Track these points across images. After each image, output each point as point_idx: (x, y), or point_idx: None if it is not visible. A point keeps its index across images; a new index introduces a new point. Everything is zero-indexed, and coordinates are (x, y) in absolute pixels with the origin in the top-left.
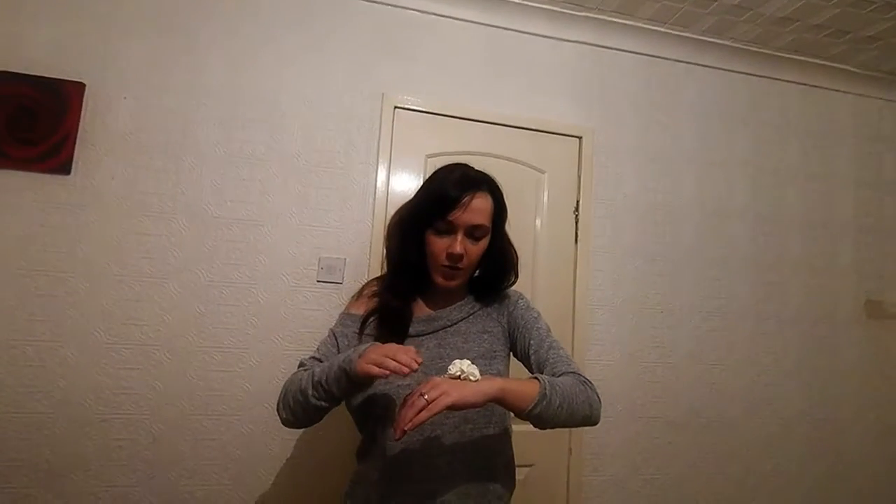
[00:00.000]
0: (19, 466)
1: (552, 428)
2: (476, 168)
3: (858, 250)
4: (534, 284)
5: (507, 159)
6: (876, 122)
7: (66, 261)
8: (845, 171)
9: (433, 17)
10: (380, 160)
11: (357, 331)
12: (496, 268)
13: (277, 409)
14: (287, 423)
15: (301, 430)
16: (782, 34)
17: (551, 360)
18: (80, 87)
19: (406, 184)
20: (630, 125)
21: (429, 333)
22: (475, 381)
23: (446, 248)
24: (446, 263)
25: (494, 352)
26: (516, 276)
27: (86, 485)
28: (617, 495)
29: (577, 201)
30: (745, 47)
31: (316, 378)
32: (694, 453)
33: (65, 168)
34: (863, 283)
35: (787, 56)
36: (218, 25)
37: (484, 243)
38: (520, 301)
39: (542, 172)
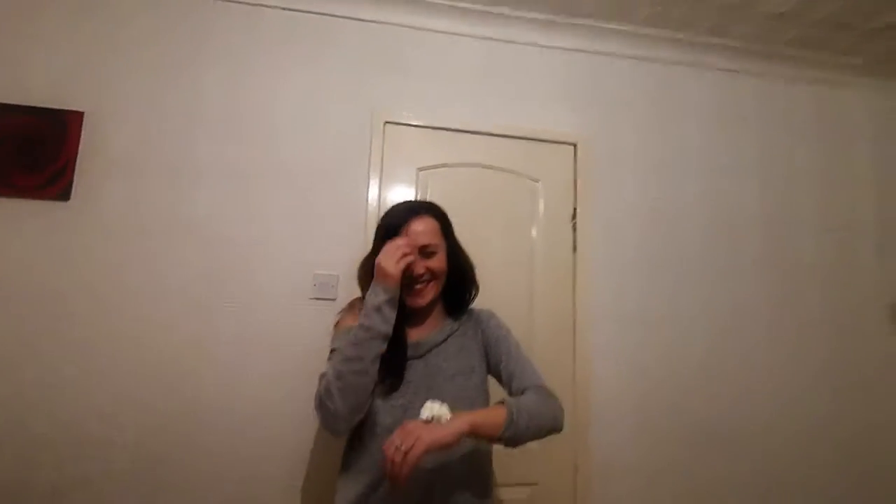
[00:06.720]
0: (23, 487)
1: (522, 444)
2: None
3: (881, 253)
4: (532, 295)
5: (501, 169)
6: (893, 115)
7: (67, 284)
8: (862, 169)
9: (423, 31)
10: (371, 175)
11: None
12: (458, 281)
13: (319, 409)
14: (333, 417)
15: (300, 450)
16: (783, 29)
17: (518, 373)
18: (78, 115)
19: (398, 198)
20: (628, 131)
21: (417, 357)
22: (446, 422)
23: (407, 272)
24: (411, 285)
25: (472, 367)
26: (477, 288)
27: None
28: None
29: (574, 209)
30: (746, 46)
31: (361, 333)
32: (711, 471)
33: (64, 194)
34: (886, 287)
35: (794, 53)
36: (212, 47)
37: (439, 259)
38: (491, 320)
39: (537, 181)
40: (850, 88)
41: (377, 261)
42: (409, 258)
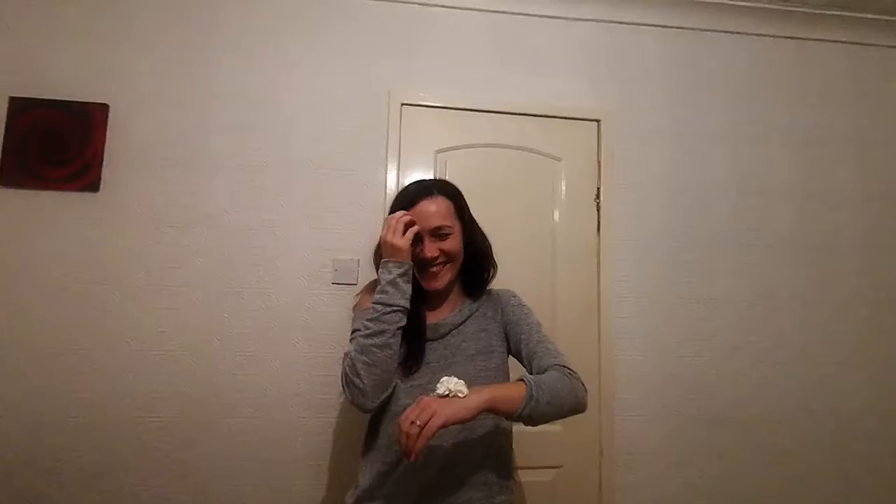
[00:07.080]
0: (65, 466)
1: (543, 423)
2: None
3: None
4: (555, 278)
5: (521, 149)
6: None
7: (97, 274)
8: None
9: (435, 8)
10: (389, 158)
11: None
12: (475, 261)
13: (347, 386)
14: (360, 393)
15: (322, 432)
16: None
17: (539, 353)
18: (103, 107)
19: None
20: (652, 104)
21: (436, 339)
22: (463, 397)
23: (420, 255)
24: (425, 268)
25: (492, 347)
26: (495, 267)
27: (125, 484)
28: (653, 498)
29: (598, 188)
30: (778, 8)
31: (379, 307)
32: (738, 453)
33: (94, 186)
34: None
35: (830, 13)
36: (224, 36)
37: (453, 240)
38: (511, 300)
39: (559, 160)
40: (891, 49)
41: (381, 238)
42: (415, 228)
